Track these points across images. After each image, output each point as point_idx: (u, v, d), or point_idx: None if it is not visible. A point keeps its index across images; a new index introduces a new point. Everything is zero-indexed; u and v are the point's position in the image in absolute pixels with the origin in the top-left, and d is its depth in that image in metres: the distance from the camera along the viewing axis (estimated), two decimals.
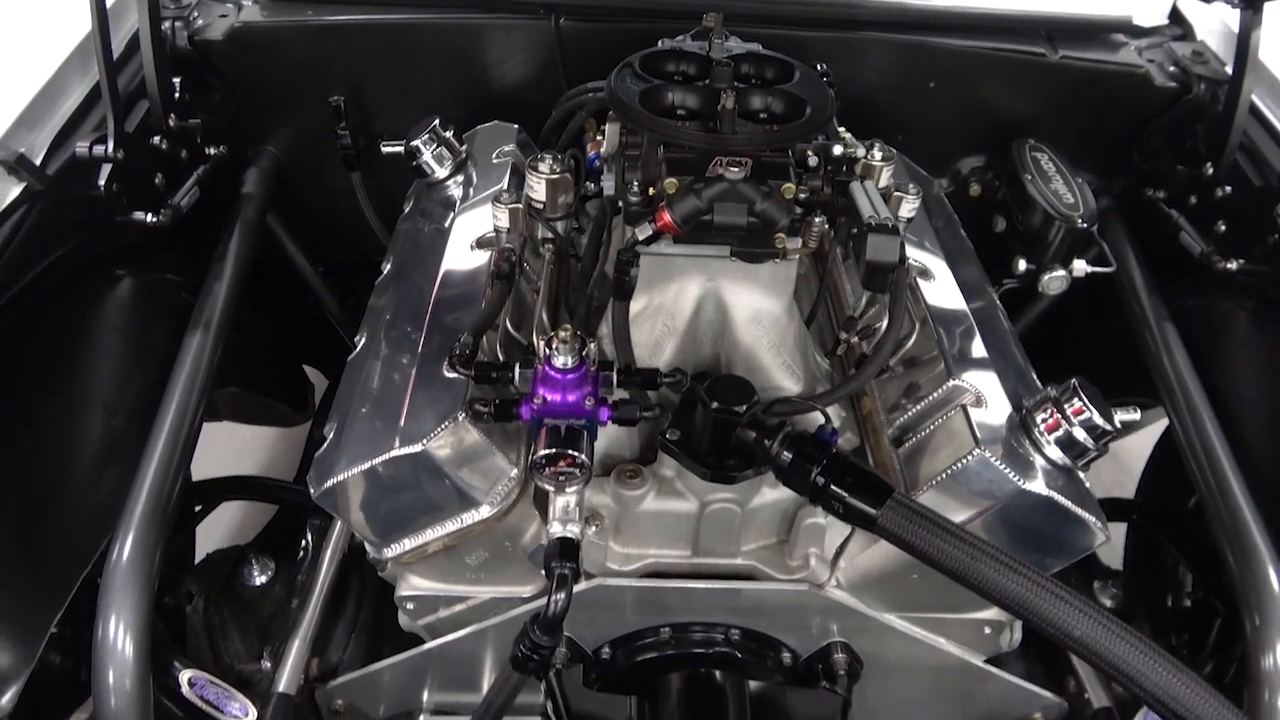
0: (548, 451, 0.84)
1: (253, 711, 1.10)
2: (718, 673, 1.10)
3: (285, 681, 1.14)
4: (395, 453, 0.97)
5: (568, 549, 0.88)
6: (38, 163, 1.15)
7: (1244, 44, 1.34)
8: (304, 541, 1.34)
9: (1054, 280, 1.46)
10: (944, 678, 1.16)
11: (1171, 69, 1.55)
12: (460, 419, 0.97)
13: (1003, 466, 0.98)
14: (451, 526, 1.03)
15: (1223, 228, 1.40)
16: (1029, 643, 1.27)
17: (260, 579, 1.31)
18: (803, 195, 1.02)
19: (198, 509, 1.47)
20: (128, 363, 1.26)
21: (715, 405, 0.96)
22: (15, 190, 1.13)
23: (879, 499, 0.89)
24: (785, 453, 0.93)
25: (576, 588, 1.03)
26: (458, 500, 1.01)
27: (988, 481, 0.98)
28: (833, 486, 0.90)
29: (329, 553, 1.30)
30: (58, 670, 1.11)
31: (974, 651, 1.15)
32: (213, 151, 1.46)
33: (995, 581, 0.84)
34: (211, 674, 1.15)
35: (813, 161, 1.05)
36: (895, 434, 1.10)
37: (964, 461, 0.98)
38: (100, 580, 1.03)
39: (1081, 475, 1.05)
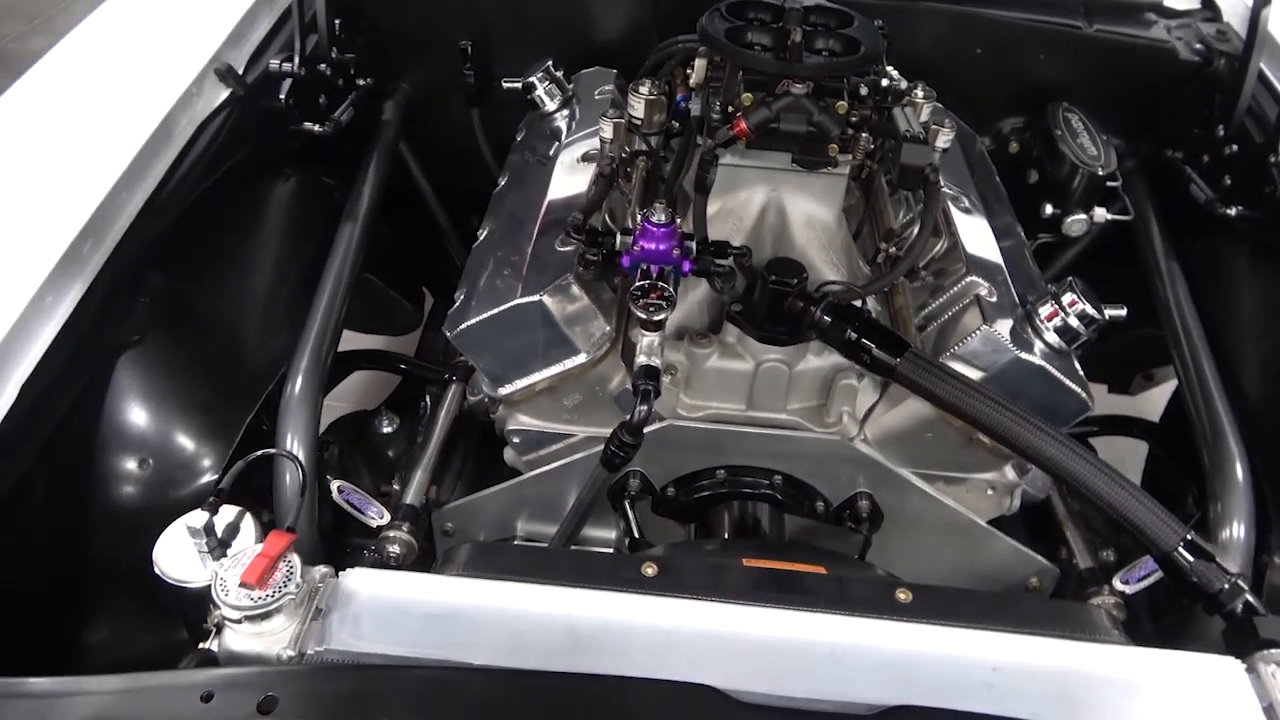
0: (644, 283, 1.09)
1: (387, 515, 1.37)
2: (764, 507, 1.34)
3: (411, 497, 1.42)
4: (517, 302, 1.24)
5: (651, 373, 1.14)
6: (240, 73, 1.45)
7: (1255, 16, 1.54)
8: (423, 404, 1.62)
9: (1075, 223, 1.68)
10: (952, 537, 1.38)
11: (1196, 45, 1.74)
12: (570, 279, 1.23)
13: (1005, 340, 1.20)
14: (555, 370, 1.29)
15: (1228, 181, 1.59)
16: (1028, 519, 1.49)
17: (387, 429, 1.59)
18: (854, 118, 1.26)
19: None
20: (294, 241, 1.55)
21: (772, 278, 1.20)
22: (223, 94, 1.43)
23: (899, 351, 1.12)
24: (826, 316, 1.17)
25: (651, 427, 1.29)
26: (561, 347, 1.27)
27: (991, 352, 1.21)
28: (862, 340, 1.14)
29: (444, 413, 1.58)
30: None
31: (978, 514, 1.36)
32: (361, 82, 1.75)
33: (987, 415, 1.07)
34: None
35: (864, 91, 1.28)
36: (920, 323, 1.33)
37: (972, 336, 1.21)
38: (279, 406, 1.31)
39: (1074, 358, 1.27)
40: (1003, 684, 0.86)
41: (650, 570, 0.96)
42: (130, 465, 1.22)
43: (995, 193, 1.60)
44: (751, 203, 1.35)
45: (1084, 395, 1.23)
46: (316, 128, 1.58)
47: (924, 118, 1.40)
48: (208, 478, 1.24)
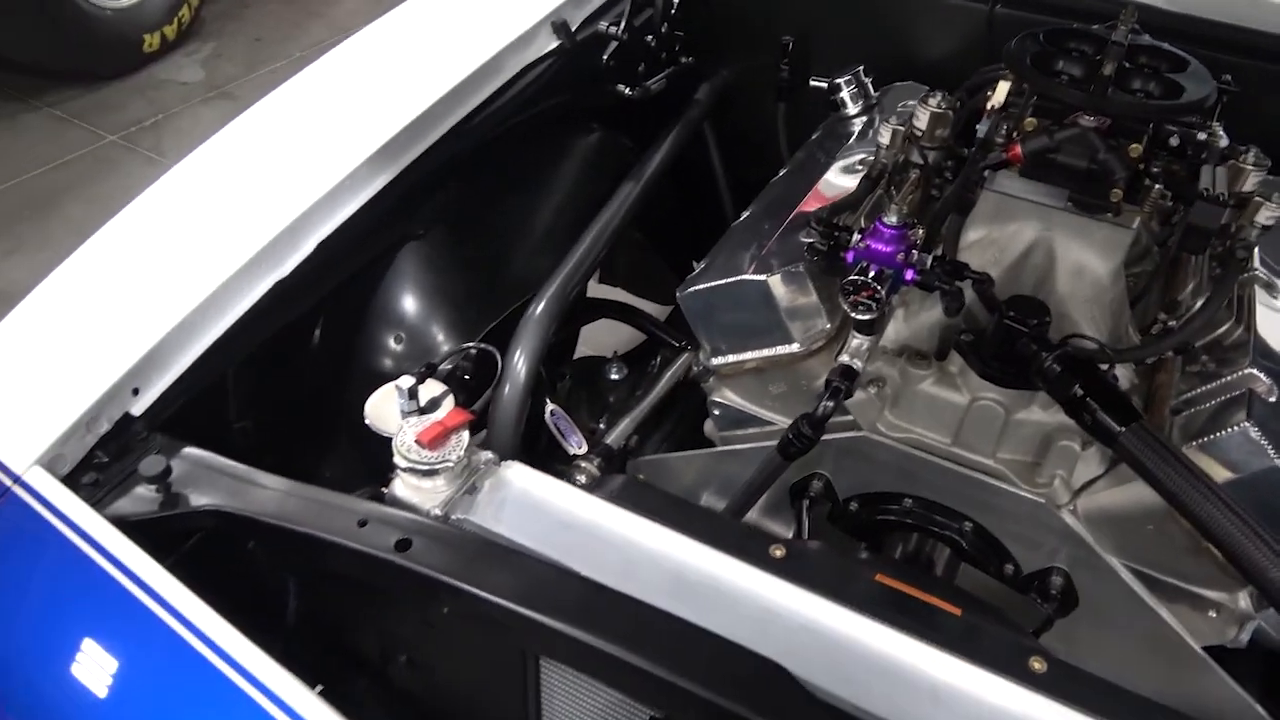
0: (857, 279, 1.08)
1: (585, 447, 1.46)
2: (943, 549, 1.27)
3: (612, 439, 1.50)
4: (745, 277, 1.27)
5: (848, 373, 1.12)
6: (572, 29, 1.60)
7: None
8: (653, 363, 1.70)
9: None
10: (1154, 652, 1.21)
11: None
12: (801, 267, 1.24)
13: (1265, 442, 1.04)
14: (766, 352, 1.30)
15: None
16: (1267, 668, 1.27)
17: (615, 376, 1.69)
18: (1154, 169, 1.15)
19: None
20: (579, 186, 1.69)
21: (1010, 314, 1.13)
22: (552, 44, 1.59)
23: (1126, 419, 1.02)
24: (1056, 365, 1.09)
25: (846, 434, 1.27)
26: (778, 332, 1.28)
27: (1246, 453, 1.05)
28: (1088, 399, 1.04)
29: (668, 375, 1.64)
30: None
31: (1193, 635, 1.19)
32: (684, 60, 1.86)
33: (1213, 516, 0.94)
34: None
35: (1173, 141, 1.16)
36: (1177, 406, 1.18)
37: (1229, 430, 1.06)
38: (519, 321, 1.45)
39: None
40: None
41: (778, 553, 0.96)
42: (388, 338, 1.41)
43: None
44: (1020, 238, 1.27)
45: None
46: (627, 90, 1.71)
47: (1247, 186, 1.23)
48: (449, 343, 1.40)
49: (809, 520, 1.33)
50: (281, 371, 1.30)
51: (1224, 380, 1.14)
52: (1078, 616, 1.24)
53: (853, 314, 1.10)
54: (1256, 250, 1.32)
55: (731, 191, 2.09)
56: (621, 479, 1.06)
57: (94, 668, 0.87)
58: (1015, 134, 1.18)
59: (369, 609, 1.07)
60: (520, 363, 1.39)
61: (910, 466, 1.26)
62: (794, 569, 0.93)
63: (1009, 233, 1.28)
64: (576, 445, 1.47)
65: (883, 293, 1.08)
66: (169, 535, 0.97)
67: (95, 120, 3.83)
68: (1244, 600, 1.16)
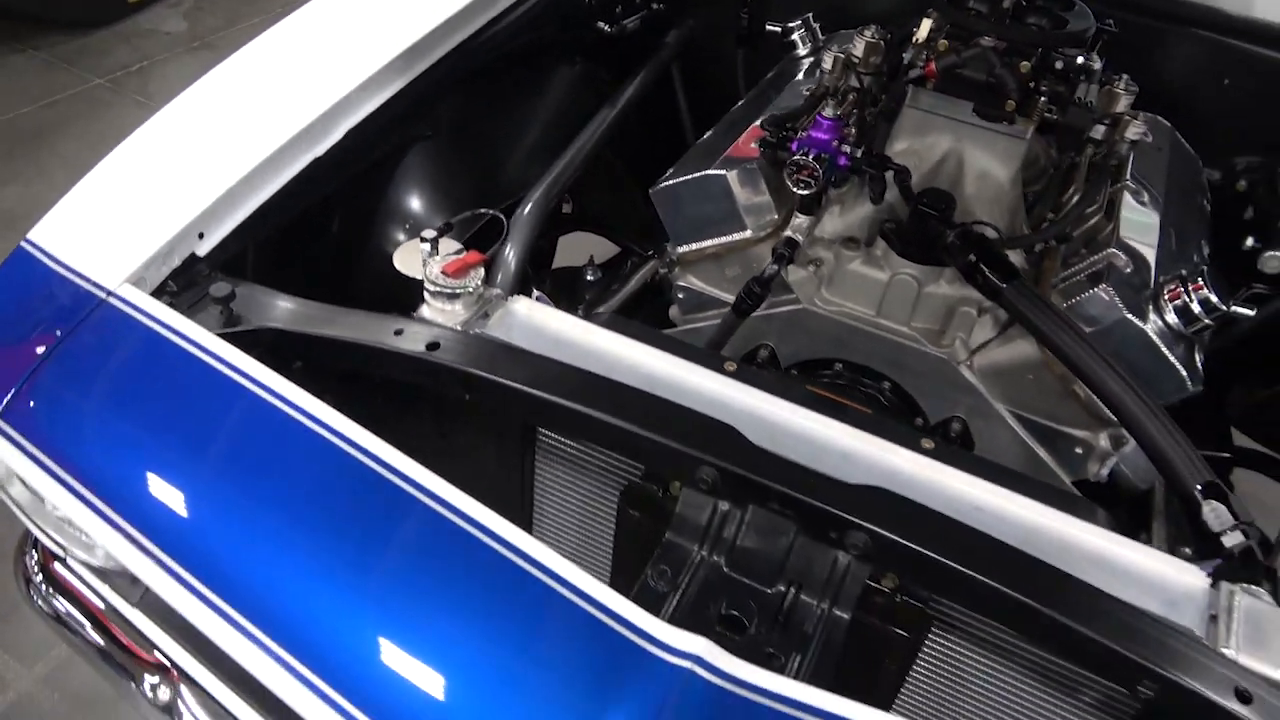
0: (799, 159, 1.33)
1: None
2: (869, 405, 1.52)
3: None
4: (708, 173, 1.51)
5: (790, 243, 1.38)
6: None
7: None
8: (625, 266, 1.93)
9: (1272, 259, 1.68)
10: None
11: None
12: (754, 165, 1.49)
13: (1117, 301, 1.31)
14: (724, 239, 1.55)
15: None
16: (1126, 509, 1.55)
17: (591, 278, 1.92)
18: (1043, 88, 1.41)
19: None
20: (563, 108, 1.92)
21: (923, 201, 1.39)
22: None
23: (1009, 278, 1.28)
24: (956, 240, 1.34)
25: (787, 308, 1.52)
26: (734, 220, 1.52)
27: (1103, 311, 1.32)
28: (980, 263, 1.30)
29: (637, 276, 1.88)
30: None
31: (1062, 470, 1.46)
32: (655, 6, 2.09)
33: (1066, 343, 1.21)
34: None
35: (1059, 65, 1.43)
36: (1056, 283, 1.45)
37: (1090, 293, 1.33)
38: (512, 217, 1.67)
39: (1195, 345, 1.34)
40: (979, 519, 1.02)
41: (730, 367, 1.20)
42: (396, 227, 1.62)
43: (1194, 214, 1.65)
44: (935, 149, 1.54)
45: (1184, 375, 1.30)
46: (606, 27, 1.94)
47: (1119, 108, 1.51)
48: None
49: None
50: (307, 237, 1.51)
51: (1091, 259, 1.41)
52: None
53: (795, 190, 1.35)
54: (1129, 165, 1.60)
55: (695, 126, 2.33)
56: (609, 314, 1.30)
57: (189, 445, 1.08)
58: (932, 56, 1.43)
59: (393, 421, 1.29)
60: (510, 255, 1.61)
61: (841, 334, 1.52)
62: (742, 376, 1.18)
63: (927, 144, 1.54)
64: None
65: (820, 172, 1.33)
66: None
67: (82, 64, 3.96)
68: (1104, 440, 1.43)
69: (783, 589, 1.00)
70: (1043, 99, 1.41)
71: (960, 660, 1.10)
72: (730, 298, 1.62)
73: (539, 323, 1.22)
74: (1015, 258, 1.51)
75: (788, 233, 1.40)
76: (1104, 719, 1.05)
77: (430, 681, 0.83)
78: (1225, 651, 0.91)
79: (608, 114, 1.91)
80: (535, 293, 1.75)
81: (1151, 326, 1.32)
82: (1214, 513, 1.07)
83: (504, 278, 1.59)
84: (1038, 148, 1.63)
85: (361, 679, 0.86)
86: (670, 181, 1.55)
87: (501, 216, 1.43)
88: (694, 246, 1.58)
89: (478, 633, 0.83)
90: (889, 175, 1.41)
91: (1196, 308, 1.31)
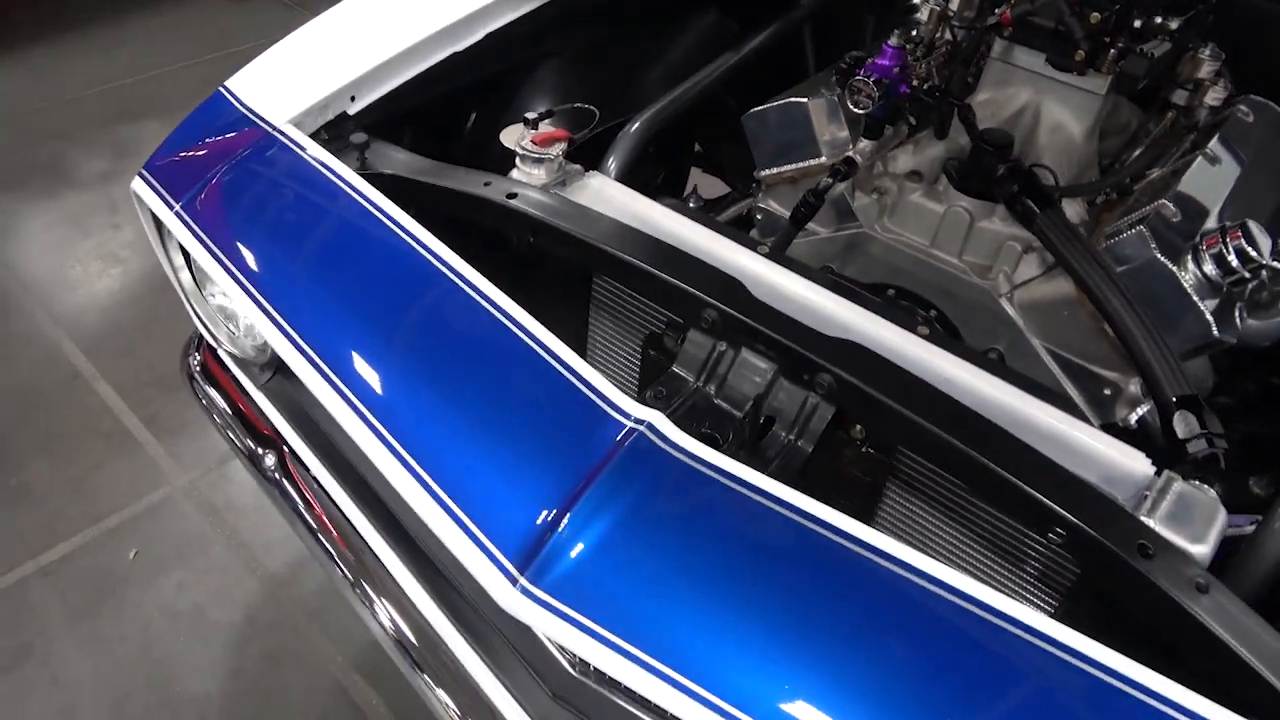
0: (860, 79, 1.47)
1: None
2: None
3: None
4: (790, 100, 1.66)
5: (849, 161, 1.51)
6: None
7: None
8: (724, 200, 2.11)
9: None
10: None
11: None
12: (834, 95, 1.63)
13: (1151, 243, 1.37)
14: (801, 164, 1.69)
15: None
16: None
17: (693, 204, 2.11)
18: (1108, 38, 1.47)
19: None
20: (688, 49, 2.11)
21: (982, 138, 1.49)
22: None
23: (1045, 207, 1.37)
24: (1006, 173, 1.44)
25: (846, 230, 1.66)
26: (811, 146, 1.67)
27: (1136, 248, 1.38)
28: (1020, 194, 1.40)
29: (734, 208, 2.05)
30: None
31: (1090, 411, 1.51)
32: None
33: (1085, 271, 1.29)
34: None
35: (1137, 23, 1.49)
36: (1109, 230, 1.51)
37: (1128, 233, 1.39)
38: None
39: (1234, 298, 1.38)
40: (945, 388, 1.13)
41: (763, 250, 1.36)
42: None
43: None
44: (1014, 100, 1.63)
45: (1209, 320, 1.34)
46: None
47: (1201, 73, 1.55)
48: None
49: None
50: (439, 139, 1.78)
51: (1143, 210, 1.46)
52: None
53: (854, 109, 1.48)
54: (1214, 135, 1.63)
55: None
56: (672, 200, 1.48)
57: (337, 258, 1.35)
58: (1010, 4, 1.53)
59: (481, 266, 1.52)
60: (611, 163, 1.82)
61: (896, 260, 1.63)
62: (772, 256, 1.33)
63: (1008, 95, 1.63)
64: None
65: (876, 92, 1.46)
66: None
67: None
68: (1134, 385, 1.48)
69: (759, 419, 1.15)
70: (1113, 51, 1.48)
71: (922, 524, 1.21)
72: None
73: (607, 193, 1.43)
74: (1076, 208, 1.59)
75: (848, 153, 1.54)
76: (1044, 590, 1.14)
77: (448, 413, 1.05)
78: (1143, 517, 0.99)
79: (729, 57, 2.08)
80: None
81: (1188, 273, 1.37)
82: (1183, 420, 1.14)
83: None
84: (1123, 109, 1.69)
85: (451, 466, 1.05)
86: (759, 108, 1.71)
87: (595, 110, 1.63)
88: (775, 170, 1.74)
89: (477, 382, 1.05)
90: (954, 112, 1.52)
91: (1232, 257, 1.34)
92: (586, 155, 1.83)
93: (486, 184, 1.38)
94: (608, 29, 1.97)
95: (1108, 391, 1.50)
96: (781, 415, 1.15)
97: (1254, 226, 1.36)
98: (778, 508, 0.94)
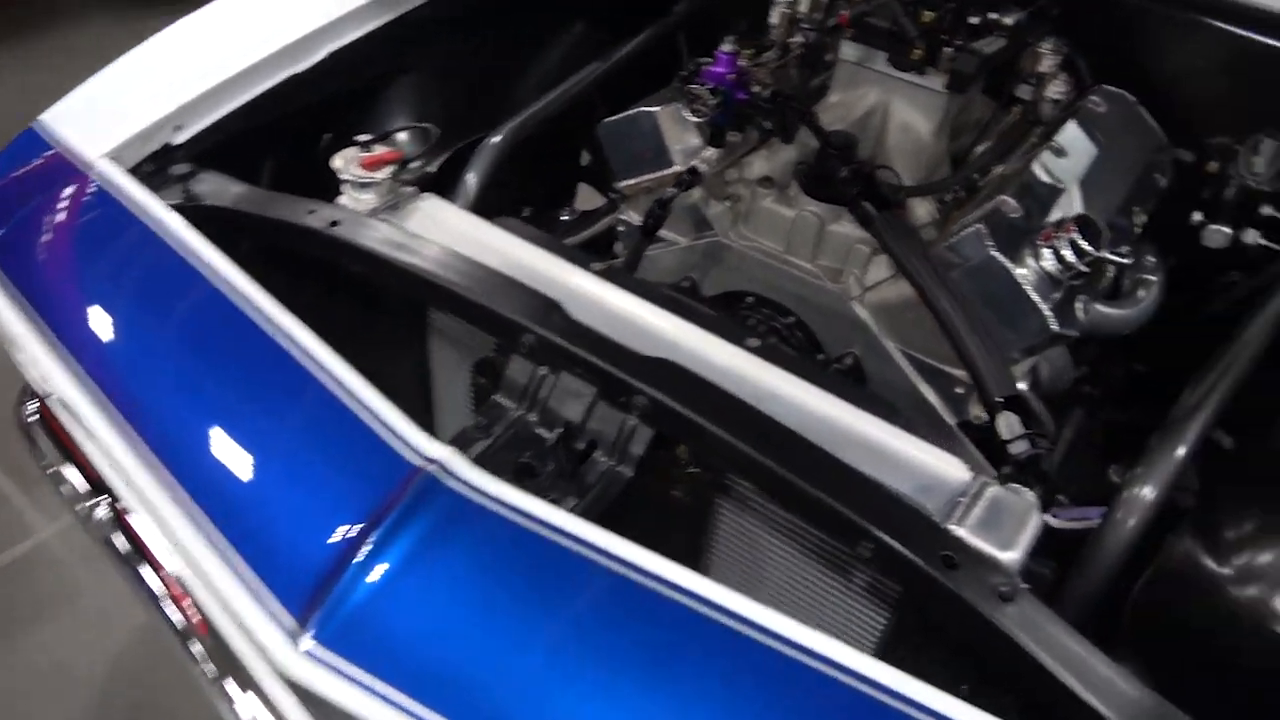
0: (695, 88, 1.44)
1: None
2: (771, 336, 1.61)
3: None
4: (640, 109, 1.63)
5: (693, 171, 1.49)
6: None
7: None
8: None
9: (1213, 233, 1.66)
10: (923, 424, 1.52)
11: None
12: (676, 103, 1.60)
13: (988, 240, 1.36)
14: (655, 173, 1.66)
15: None
16: None
17: (565, 217, 2.07)
18: (957, 42, 1.47)
19: None
20: (554, 61, 2.06)
21: (826, 140, 1.48)
22: None
23: (884, 207, 1.35)
24: (848, 176, 1.42)
25: (701, 240, 1.63)
26: (662, 156, 1.64)
27: (973, 249, 1.37)
28: (860, 196, 1.38)
29: (608, 218, 2.01)
30: None
31: (943, 409, 1.50)
32: None
33: (917, 271, 1.28)
34: None
35: (973, 20, 1.49)
36: (955, 228, 1.50)
37: (965, 231, 1.39)
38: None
39: (1075, 292, 1.38)
40: (767, 403, 1.11)
41: (597, 267, 1.33)
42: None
43: (1129, 183, 1.66)
44: (864, 101, 1.62)
45: (1047, 315, 1.34)
46: None
47: (1043, 68, 1.55)
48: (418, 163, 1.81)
49: None
50: (281, 160, 1.71)
51: (986, 206, 1.46)
52: None
53: (689, 115, 1.46)
54: (1064, 128, 1.63)
55: None
56: (510, 220, 1.44)
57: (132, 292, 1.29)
58: (849, 6, 1.52)
59: (319, 303, 1.47)
60: (470, 179, 1.78)
61: (751, 269, 1.61)
62: (612, 276, 1.30)
63: (857, 95, 1.62)
64: None
65: (713, 101, 1.44)
66: None
67: None
68: None
69: (580, 446, 1.12)
70: (948, 50, 1.47)
71: (757, 541, 1.19)
72: (663, 231, 1.74)
73: (439, 216, 1.39)
74: (926, 207, 1.58)
75: (694, 162, 1.51)
76: (875, 605, 1.13)
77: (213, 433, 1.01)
78: (950, 527, 0.97)
79: (598, 67, 2.05)
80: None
81: (1026, 269, 1.36)
82: (1006, 422, 1.13)
83: (462, 199, 1.76)
84: (976, 105, 1.69)
85: (231, 512, 1.00)
86: (611, 119, 1.68)
87: (434, 129, 1.59)
88: (631, 181, 1.71)
89: (266, 420, 1.01)
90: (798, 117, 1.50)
91: (1067, 251, 1.34)
92: (451, 173, 1.79)
93: (311, 212, 1.34)
94: (469, 41, 1.93)
95: (959, 390, 1.50)
96: (602, 439, 1.12)
97: (1092, 219, 1.36)
98: (575, 546, 0.91)
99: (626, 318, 1.22)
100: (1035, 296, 1.35)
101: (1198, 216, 1.70)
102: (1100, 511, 1.31)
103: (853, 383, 1.23)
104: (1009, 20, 1.49)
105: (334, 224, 1.30)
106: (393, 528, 0.91)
